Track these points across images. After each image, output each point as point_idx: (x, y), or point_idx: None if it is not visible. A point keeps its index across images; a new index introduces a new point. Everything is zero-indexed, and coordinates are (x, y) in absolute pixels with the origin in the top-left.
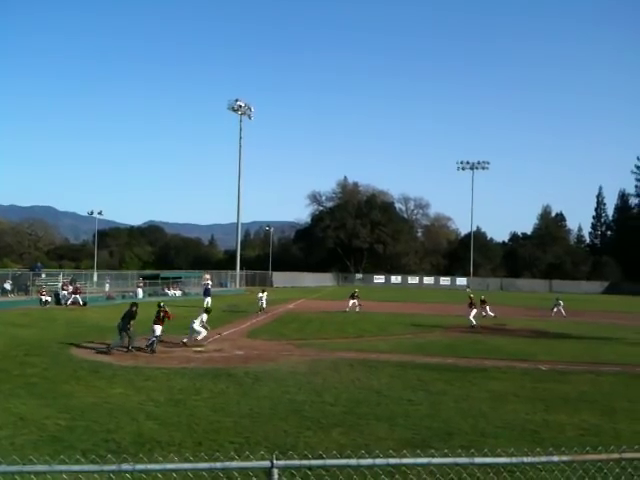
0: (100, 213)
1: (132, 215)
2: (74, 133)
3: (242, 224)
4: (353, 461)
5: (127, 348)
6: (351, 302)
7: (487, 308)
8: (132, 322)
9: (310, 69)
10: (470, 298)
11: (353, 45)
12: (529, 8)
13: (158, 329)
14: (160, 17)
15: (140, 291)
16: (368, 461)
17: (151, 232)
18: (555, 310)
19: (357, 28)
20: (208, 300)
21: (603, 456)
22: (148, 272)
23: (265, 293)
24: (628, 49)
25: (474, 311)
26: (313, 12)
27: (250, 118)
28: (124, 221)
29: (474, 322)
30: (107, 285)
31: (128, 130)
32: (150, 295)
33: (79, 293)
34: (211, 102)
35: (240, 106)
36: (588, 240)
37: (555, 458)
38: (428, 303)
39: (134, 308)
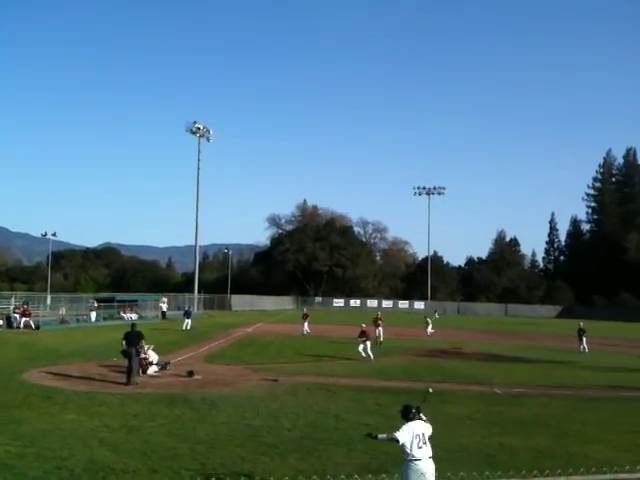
0: (54, 234)
1: (87, 237)
2: (26, 152)
3: (200, 246)
4: None
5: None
6: (306, 324)
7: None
8: (142, 343)
9: (269, 92)
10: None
11: (310, 69)
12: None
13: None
14: (117, 31)
15: (93, 314)
16: None
17: (107, 254)
18: (429, 329)
19: (313, 54)
20: (188, 322)
21: (551, 479)
22: (103, 295)
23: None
24: (578, 72)
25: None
26: (270, 36)
27: (209, 140)
28: (79, 243)
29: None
30: (62, 309)
31: (84, 150)
32: (105, 319)
33: (28, 316)
34: (169, 124)
35: (199, 128)
36: (542, 265)
37: None
38: (387, 327)
39: (135, 328)
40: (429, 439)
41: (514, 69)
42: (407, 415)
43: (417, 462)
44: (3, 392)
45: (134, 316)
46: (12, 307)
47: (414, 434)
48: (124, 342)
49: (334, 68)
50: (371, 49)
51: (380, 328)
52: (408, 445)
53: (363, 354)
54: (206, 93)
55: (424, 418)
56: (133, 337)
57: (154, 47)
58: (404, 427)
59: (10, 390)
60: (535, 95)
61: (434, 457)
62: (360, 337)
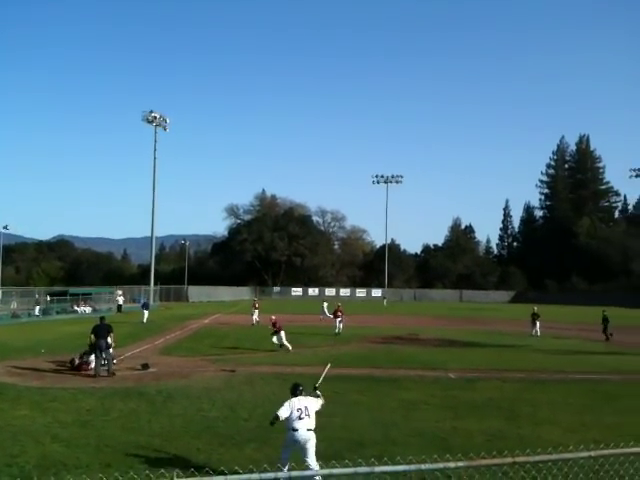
0: (6, 227)
1: (40, 229)
2: None
3: (157, 238)
4: (255, 475)
5: (108, 371)
6: (256, 314)
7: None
8: (111, 337)
9: (226, 81)
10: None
11: (267, 59)
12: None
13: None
14: (72, 20)
15: (37, 308)
16: (270, 475)
17: (60, 247)
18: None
19: (268, 44)
20: (146, 314)
21: (497, 460)
22: (57, 288)
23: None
24: (532, 56)
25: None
26: (226, 26)
27: (165, 130)
28: (32, 235)
29: None
30: (14, 303)
31: (35, 140)
32: (58, 312)
33: None
34: (124, 112)
35: (155, 117)
36: (496, 251)
37: (451, 464)
38: (344, 315)
39: (104, 321)
40: (315, 412)
41: (466, 53)
42: (293, 392)
43: (294, 432)
44: None
45: (88, 309)
46: None
47: (295, 408)
48: (92, 335)
49: (291, 58)
50: (326, 38)
51: (339, 319)
52: (288, 417)
53: (278, 344)
54: (163, 82)
55: (318, 393)
56: (102, 330)
57: (112, 39)
58: (285, 403)
59: None
60: (489, 80)
61: (390, 441)
62: (272, 327)
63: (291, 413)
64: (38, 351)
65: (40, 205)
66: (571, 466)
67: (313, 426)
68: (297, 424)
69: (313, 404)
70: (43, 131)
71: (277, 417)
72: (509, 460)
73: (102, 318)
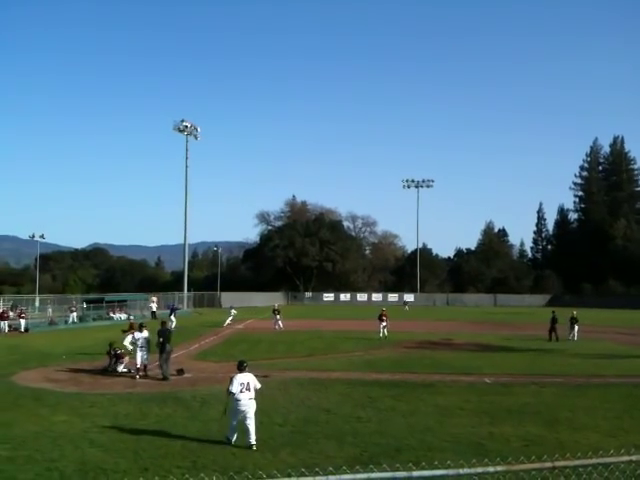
0: (42, 236)
1: (76, 238)
2: (14, 156)
3: (189, 245)
4: None
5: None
6: (277, 319)
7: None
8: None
9: (257, 89)
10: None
11: (298, 66)
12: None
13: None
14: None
15: (73, 315)
16: (307, 479)
17: (96, 255)
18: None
19: (300, 51)
20: (173, 319)
21: (537, 465)
22: (92, 296)
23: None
24: (565, 61)
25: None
26: (257, 35)
27: (196, 138)
28: (68, 244)
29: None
30: (50, 310)
31: (71, 150)
32: (94, 319)
33: (6, 319)
34: (157, 123)
35: (186, 126)
36: (530, 254)
37: (490, 469)
38: (377, 320)
39: (166, 325)
40: (253, 385)
41: (501, 60)
42: (239, 368)
43: (238, 401)
44: None
45: (123, 316)
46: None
47: (240, 382)
48: (160, 339)
49: (321, 65)
50: (357, 45)
51: (384, 323)
52: (236, 391)
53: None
54: (193, 92)
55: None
56: (164, 333)
57: (142, 48)
58: (234, 380)
59: None
60: (522, 85)
61: (426, 447)
62: None
63: (238, 387)
64: (76, 357)
65: (76, 214)
66: (612, 470)
67: (253, 396)
68: (241, 395)
69: (252, 380)
70: (77, 144)
71: (232, 393)
72: (549, 465)
73: (163, 323)
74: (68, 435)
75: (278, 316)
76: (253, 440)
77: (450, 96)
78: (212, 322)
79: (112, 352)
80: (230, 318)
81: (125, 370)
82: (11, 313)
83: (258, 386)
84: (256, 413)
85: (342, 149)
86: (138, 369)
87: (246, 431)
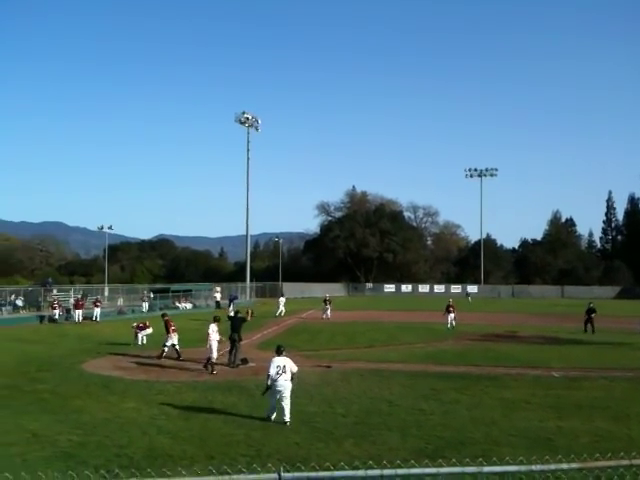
0: (110, 228)
1: (142, 229)
2: (83, 149)
3: (251, 236)
4: (361, 472)
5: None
6: (326, 309)
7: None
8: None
9: (317, 79)
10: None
11: (360, 53)
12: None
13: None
14: (167, 29)
15: (145, 305)
16: (376, 472)
17: (161, 246)
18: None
19: (364, 38)
20: (231, 308)
21: (612, 462)
22: (159, 286)
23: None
24: (622, 45)
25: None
26: (320, 24)
27: (257, 130)
28: (134, 235)
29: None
30: (120, 299)
31: (137, 145)
32: (161, 309)
33: (81, 307)
34: (218, 115)
35: (247, 118)
36: (599, 245)
37: (564, 465)
38: (439, 311)
39: (239, 314)
40: (289, 368)
41: (565, 44)
42: (277, 352)
43: (275, 382)
44: (64, 383)
45: (189, 305)
46: (72, 300)
47: (277, 365)
48: (230, 329)
49: (380, 56)
50: (416, 39)
51: (452, 314)
52: (273, 373)
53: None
54: (254, 84)
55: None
56: (236, 322)
57: (206, 40)
58: (271, 363)
59: (70, 380)
60: (588, 69)
61: (492, 441)
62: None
63: (275, 370)
64: (144, 346)
65: (142, 207)
66: None
67: (289, 378)
68: (278, 378)
69: (288, 363)
70: (143, 138)
71: (269, 375)
72: (625, 462)
73: (237, 312)
74: (136, 422)
75: (328, 306)
76: (287, 418)
77: (513, 82)
78: (274, 312)
79: (135, 327)
80: (281, 306)
81: (145, 338)
82: (82, 302)
83: (295, 369)
84: (292, 394)
85: (402, 139)
86: (213, 362)
87: (282, 410)
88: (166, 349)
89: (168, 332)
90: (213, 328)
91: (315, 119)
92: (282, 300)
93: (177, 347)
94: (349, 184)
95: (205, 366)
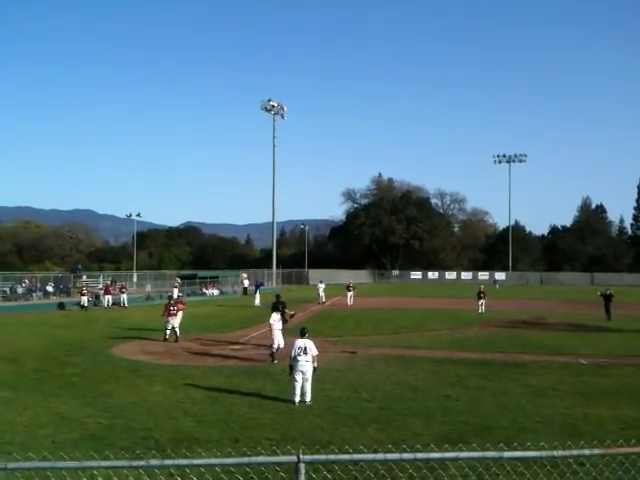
0: (139, 215)
1: (170, 216)
2: (112, 138)
3: (277, 223)
4: (380, 456)
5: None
6: (349, 295)
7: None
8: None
9: (343, 65)
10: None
11: (386, 40)
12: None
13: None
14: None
15: (176, 291)
16: (395, 456)
17: (189, 233)
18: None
19: (393, 25)
20: (257, 296)
21: (637, 449)
22: (186, 272)
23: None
24: None
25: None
26: (343, 10)
27: (283, 117)
28: (162, 222)
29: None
30: (148, 286)
31: (164, 133)
32: (188, 295)
33: (109, 293)
34: (244, 102)
35: (273, 106)
36: (630, 232)
37: (587, 451)
38: (466, 298)
39: (280, 298)
40: (310, 350)
41: (596, 35)
42: (300, 334)
43: (297, 362)
44: (92, 367)
45: (216, 292)
46: (101, 286)
47: (298, 347)
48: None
49: (409, 43)
50: (436, 25)
51: (483, 300)
52: (294, 354)
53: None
54: (280, 71)
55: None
56: (278, 307)
57: (231, 27)
58: (294, 345)
59: (99, 365)
60: (617, 53)
61: (517, 427)
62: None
63: (296, 351)
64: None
65: (170, 194)
66: None
67: (310, 359)
68: (299, 358)
69: (309, 344)
70: (170, 127)
71: (290, 356)
72: None
73: (278, 296)
74: (163, 405)
75: (350, 293)
76: (309, 399)
77: (543, 67)
78: (301, 298)
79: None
80: (321, 292)
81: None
82: (111, 288)
83: (315, 352)
84: (314, 376)
85: (430, 124)
86: (274, 351)
87: (304, 391)
88: (167, 332)
89: (163, 314)
90: (275, 317)
91: (342, 106)
92: (321, 286)
93: (177, 330)
94: (375, 171)
95: (271, 355)
